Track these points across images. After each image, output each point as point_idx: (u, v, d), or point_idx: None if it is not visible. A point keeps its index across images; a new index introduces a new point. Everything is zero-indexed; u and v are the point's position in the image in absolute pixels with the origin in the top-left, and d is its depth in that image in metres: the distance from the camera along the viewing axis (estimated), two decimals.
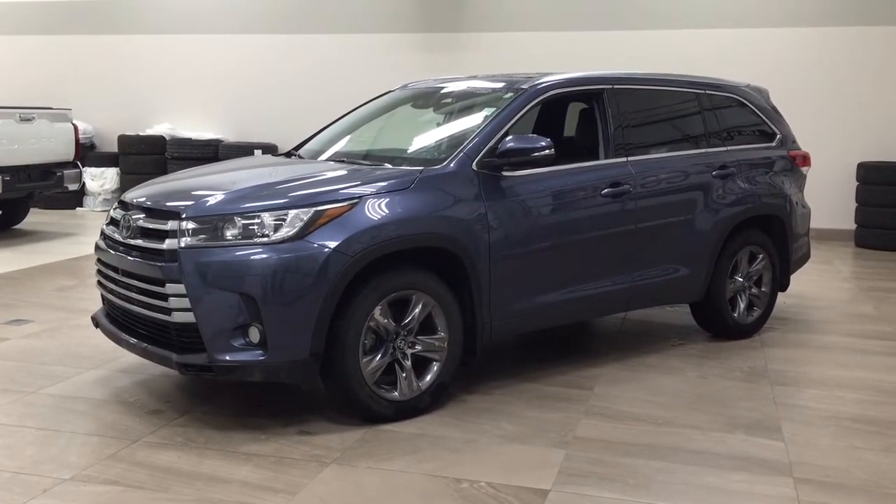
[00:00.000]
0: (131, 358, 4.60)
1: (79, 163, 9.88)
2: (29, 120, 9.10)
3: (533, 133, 4.67)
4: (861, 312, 6.41)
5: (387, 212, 3.86)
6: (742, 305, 5.48)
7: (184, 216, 3.75)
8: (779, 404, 4.29)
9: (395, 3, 11.20)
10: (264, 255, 3.62)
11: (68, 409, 4.07)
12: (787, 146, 5.89)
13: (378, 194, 3.90)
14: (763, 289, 5.60)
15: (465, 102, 5.02)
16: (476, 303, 4.11)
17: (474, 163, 4.21)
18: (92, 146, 12.21)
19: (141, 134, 11.86)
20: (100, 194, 11.91)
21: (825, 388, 4.59)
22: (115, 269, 4.06)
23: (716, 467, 3.51)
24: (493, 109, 4.53)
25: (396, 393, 3.92)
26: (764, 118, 5.81)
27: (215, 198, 3.85)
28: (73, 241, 9.23)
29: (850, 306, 6.62)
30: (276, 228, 3.68)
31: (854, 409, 4.26)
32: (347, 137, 5.18)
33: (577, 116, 5.45)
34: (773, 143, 5.81)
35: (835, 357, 5.20)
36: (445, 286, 4.02)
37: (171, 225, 3.76)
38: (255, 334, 3.64)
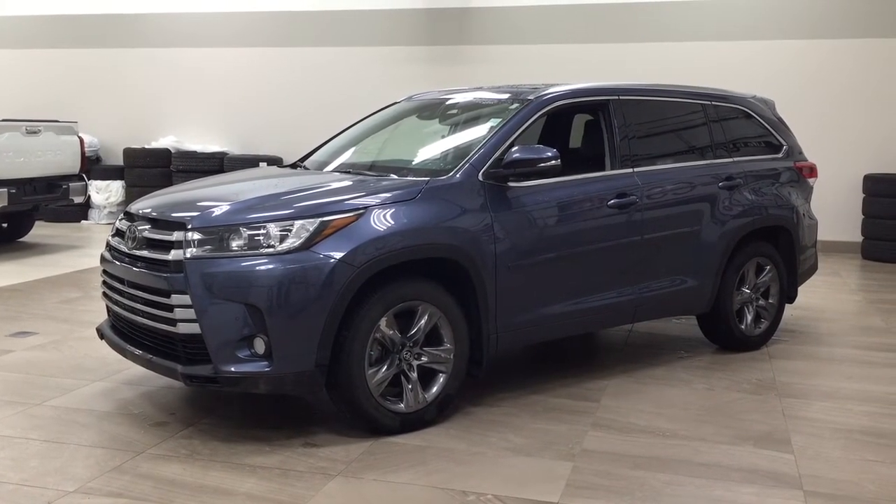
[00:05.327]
0: (136, 370, 4.60)
1: (84, 175, 9.91)
2: (35, 133, 9.13)
3: (539, 144, 4.66)
4: (869, 325, 6.37)
5: (392, 222, 3.85)
6: (749, 317, 5.45)
7: (189, 227, 3.74)
8: (787, 417, 4.26)
9: (401, 16, 11.23)
10: (270, 266, 3.60)
11: (73, 421, 4.05)
12: (794, 157, 5.87)
13: (383, 205, 3.89)
14: (770, 300, 5.57)
15: (471, 113, 5.02)
16: (482, 314, 4.09)
17: (480, 173, 4.20)
18: (97, 159, 12.26)
19: (146, 147, 11.91)
20: (105, 207, 11.94)
21: (834, 400, 4.55)
22: (121, 281, 4.05)
23: (724, 480, 3.48)
24: (499, 120, 4.52)
25: (402, 405, 3.90)
26: (770, 129, 5.80)
27: (221, 208, 3.84)
28: (79, 253, 9.24)
29: (859, 318, 6.59)
30: (282, 239, 3.66)
31: (864, 422, 4.22)
32: (353, 149, 5.18)
33: (583, 127, 5.45)
34: (780, 155, 5.79)
35: (844, 369, 5.16)
36: (451, 297, 4.00)
37: (176, 236, 3.75)
38: (260, 345, 3.62)
